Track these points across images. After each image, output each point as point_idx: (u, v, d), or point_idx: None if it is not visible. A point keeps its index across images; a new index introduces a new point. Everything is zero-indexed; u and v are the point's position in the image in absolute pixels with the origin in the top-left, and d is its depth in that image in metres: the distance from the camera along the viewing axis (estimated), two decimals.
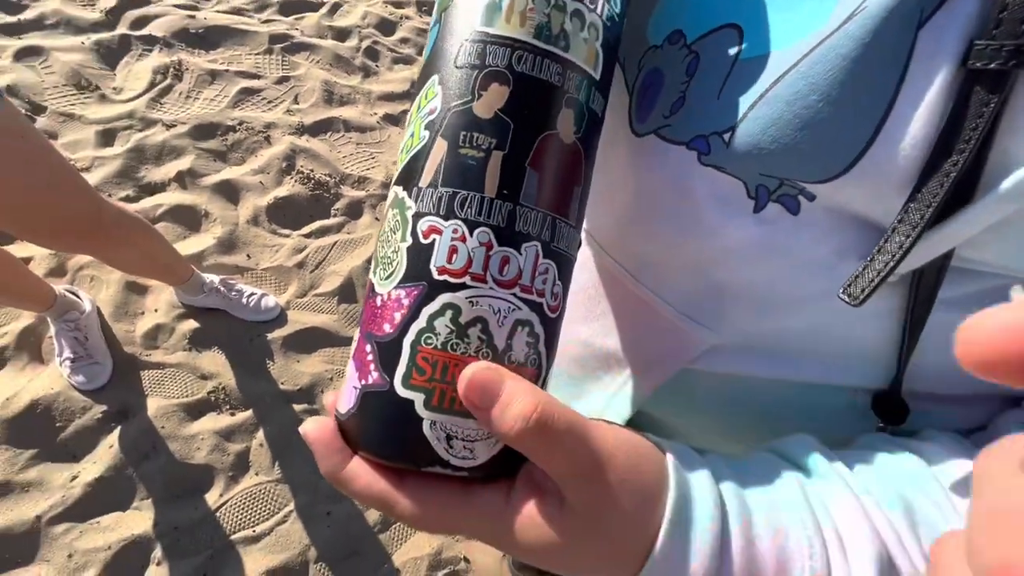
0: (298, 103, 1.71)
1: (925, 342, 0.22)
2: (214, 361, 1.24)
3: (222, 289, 1.25)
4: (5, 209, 0.79)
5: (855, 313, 0.20)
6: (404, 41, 2.03)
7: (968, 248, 0.19)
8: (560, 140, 0.19)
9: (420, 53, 2.01)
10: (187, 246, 1.37)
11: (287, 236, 1.46)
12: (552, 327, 0.20)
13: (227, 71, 1.70)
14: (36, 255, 1.26)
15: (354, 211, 1.55)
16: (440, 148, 0.19)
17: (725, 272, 0.24)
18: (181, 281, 1.19)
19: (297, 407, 1.23)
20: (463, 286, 0.18)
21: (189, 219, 1.41)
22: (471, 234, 0.18)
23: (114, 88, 1.59)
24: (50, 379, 1.14)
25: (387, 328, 0.19)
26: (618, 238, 0.29)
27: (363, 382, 0.19)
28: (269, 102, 1.69)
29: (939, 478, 0.19)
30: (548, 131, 0.19)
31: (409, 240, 0.19)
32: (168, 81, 1.62)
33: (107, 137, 1.48)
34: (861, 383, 0.25)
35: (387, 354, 0.19)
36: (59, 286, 1.16)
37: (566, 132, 0.20)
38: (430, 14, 2.15)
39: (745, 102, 0.20)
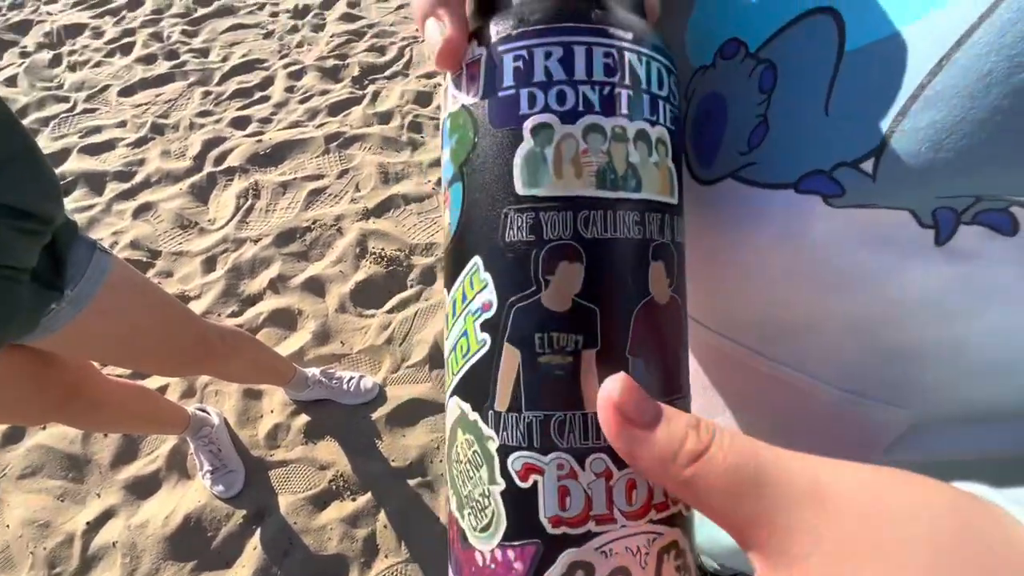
0: (359, 190, 1.83)
1: None
2: (329, 450, 1.29)
3: (324, 380, 1.32)
4: (136, 354, 0.89)
5: None
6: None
7: None
8: (656, 304, 0.15)
9: None
10: (288, 345, 1.47)
11: (372, 316, 1.52)
12: (692, 526, 0.15)
13: (295, 179, 1.87)
14: (170, 383, 1.42)
15: (427, 278, 1.59)
16: (511, 359, 0.15)
17: (908, 332, 0.17)
18: (287, 380, 1.27)
19: (411, 482, 1.23)
20: (588, 535, 0.14)
21: (286, 320, 1.53)
22: (583, 467, 0.14)
23: (209, 220, 1.80)
24: (197, 492, 1.24)
25: None
26: (722, 310, 0.22)
27: None
28: (335, 196, 1.82)
29: None
30: (642, 300, 0.15)
31: (502, 484, 0.15)
32: (249, 202, 1.81)
33: (209, 264, 1.67)
34: None
35: None
36: (190, 406, 1.28)
37: (661, 291, 0.15)
38: None
39: (884, 110, 0.14)
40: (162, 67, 2.37)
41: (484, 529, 0.15)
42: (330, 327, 1.50)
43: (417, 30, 0.16)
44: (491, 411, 0.15)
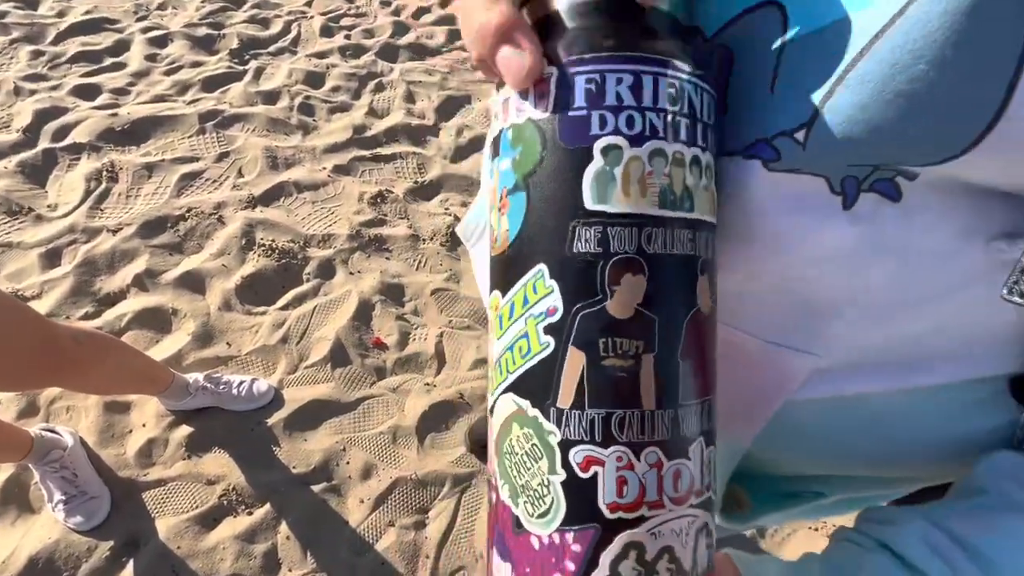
0: (243, 176, 1.66)
1: None
2: (218, 463, 1.17)
3: (209, 385, 1.19)
4: None
5: (989, 298, 0.17)
6: (336, 90, 1.99)
7: None
8: (702, 314, 0.17)
9: (355, 97, 1.98)
10: (162, 349, 1.29)
11: (264, 313, 1.40)
12: (715, 510, 0.18)
13: (163, 161, 1.64)
14: (2, 399, 1.18)
15: (326, 271, 1.50)
16: (577, 360, 0.16)
17: (820, 287, 0.20)
18: (163, 388, 1.12)
19: (316, 488, 1.16)
20: (641, 520, 0.16)
21: (157, 321, 1.34)
22: (638, 458, 0.16)
23: (48, 206, 1.51)
24: (45, 528, 1.05)
25: None
26: None
27: None
28: (213, 182, 1.63)
29: None
30: (692, 310, 0.16)
31: (562, 474, 0.16)
32: (104, 185, 1.56)
33: (52, 258, 1.40)
34: (998, 370, 0.21)
35: None
36: (33, 427, 1.08)
37: (705, 303, 0.17)
38: (355, 58, 2.13)
39: (816, 90, 0.16)
40: None
41: (542, 515, 0.16)
42: (213, 327, 1.35)
43: (474, 52, 0.16)
44: (553, 408, 0.16)
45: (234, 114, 1.81)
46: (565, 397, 0.16)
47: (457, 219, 1.67)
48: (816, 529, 1.18)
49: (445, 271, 1.56)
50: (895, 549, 0.20)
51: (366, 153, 1.81)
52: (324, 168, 1.73)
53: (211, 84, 1.90)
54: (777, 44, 0.17)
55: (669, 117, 0.16)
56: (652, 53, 0.16)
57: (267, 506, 1.13)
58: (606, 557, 0.15)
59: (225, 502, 1.12)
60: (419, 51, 2.23)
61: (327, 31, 2.22)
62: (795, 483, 0.33)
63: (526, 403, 0.16)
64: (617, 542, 0.15)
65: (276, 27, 2.17)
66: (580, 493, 0.16)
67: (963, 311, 0.19)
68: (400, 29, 2.30)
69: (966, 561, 0.19)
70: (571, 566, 0.16)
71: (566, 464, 0.16)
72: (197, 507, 1.11)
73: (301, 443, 1.22)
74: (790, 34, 0.17)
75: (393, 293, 1.48)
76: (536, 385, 0.16)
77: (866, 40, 0.15)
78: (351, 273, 1.51)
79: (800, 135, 0.17)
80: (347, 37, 2.21)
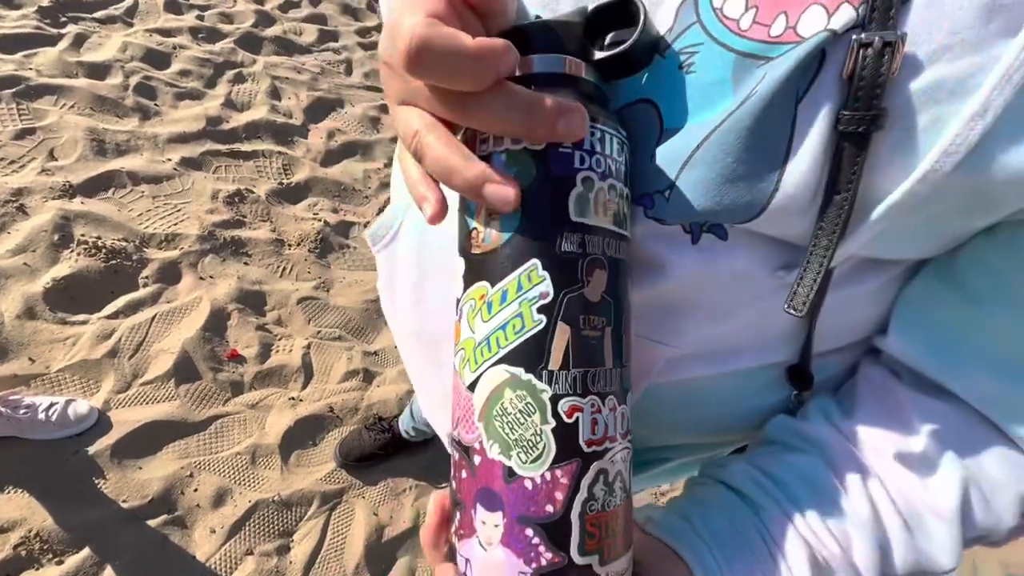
0: (56, 159, 1.39)
1: (824, 314, 0.28)
2: (13, 504, 0.95)
3: (3, 410, 0.97)
4: None
5: (776, 307, 0.25)
6: (185, 74, 1.78)
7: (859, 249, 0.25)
8: (630, 303, 0.23)
9: (209, 85, 1.79)
10: None
11: (84, 323, 1.18)
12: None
13: None
14: None
15: (169, 275, 1.33)
16: (564, 333, 0.20)
17: (676, 296, 0.28)
18: None
19: (153, 522, 1.01)
20: (606, 451, 0.21)
21: None
22: (604, 404, 0.21)
23: None
24: None
25: (549, 508, 0.20)
26: None
27: (534, 566, 0.20)
28: (11, 163, 1.34)
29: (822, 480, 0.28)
30: (627, 297, 0.23)
31: (552, 423, 0.20)
32: None
33: None
34: (780, 359, 0.31)
35: (557, 533, 0.20)
36: None
37: (631, 293, 0.24)
38: (208, 42, 1.93)
39: (675, 166, 0.24)
40: None
41: (535, 460, 0.20)
42: (8, 339, 1.10)
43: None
44: (545, 371, 0.20)
45: (44, 84, 1.51)
46: (555, 361, 0.20)
47: (328, 224, 1.60)
48: None
49: (314, 279, 1.48)
50: (730, 483, 0.30)
51: (222, 147, 1.64)
52: (169, 159, 1.53)
53: (9, 44, 1.56)
54: (657, 129, 0.25)
55: (618, 163, 0.22)
56: (611, 119, 0.22)
57: (85, 550, 0.95)
58: (585, 482, 0.20)
59: (24, 552, 0.92)
60: (286, 46, 2.10)
61: (174, 7, 1.98)
62: (648, 453, 0.42)
63: (519, 370, 0.20)
64: (592, 469, 0.20)
65: None
66: (566, 435, 0.20)
67: (762, 315, 0.28)
68: (264, 19, 2.14)
69: (770, 483, 0.28)
70: (560, 496, 0.20)
71: (556, 414, 0.20)
72: None
73: (134, 472, 1.05)
74: (665, 125, 0.25)
75: (253, 301, 1.37)
76: (530, 354, 0.20)
77: (707, 133, 0.23)
78: (202, 278, 1.35)
79: (666, 193, 0.25)
80: (200, 18, 1.99)
